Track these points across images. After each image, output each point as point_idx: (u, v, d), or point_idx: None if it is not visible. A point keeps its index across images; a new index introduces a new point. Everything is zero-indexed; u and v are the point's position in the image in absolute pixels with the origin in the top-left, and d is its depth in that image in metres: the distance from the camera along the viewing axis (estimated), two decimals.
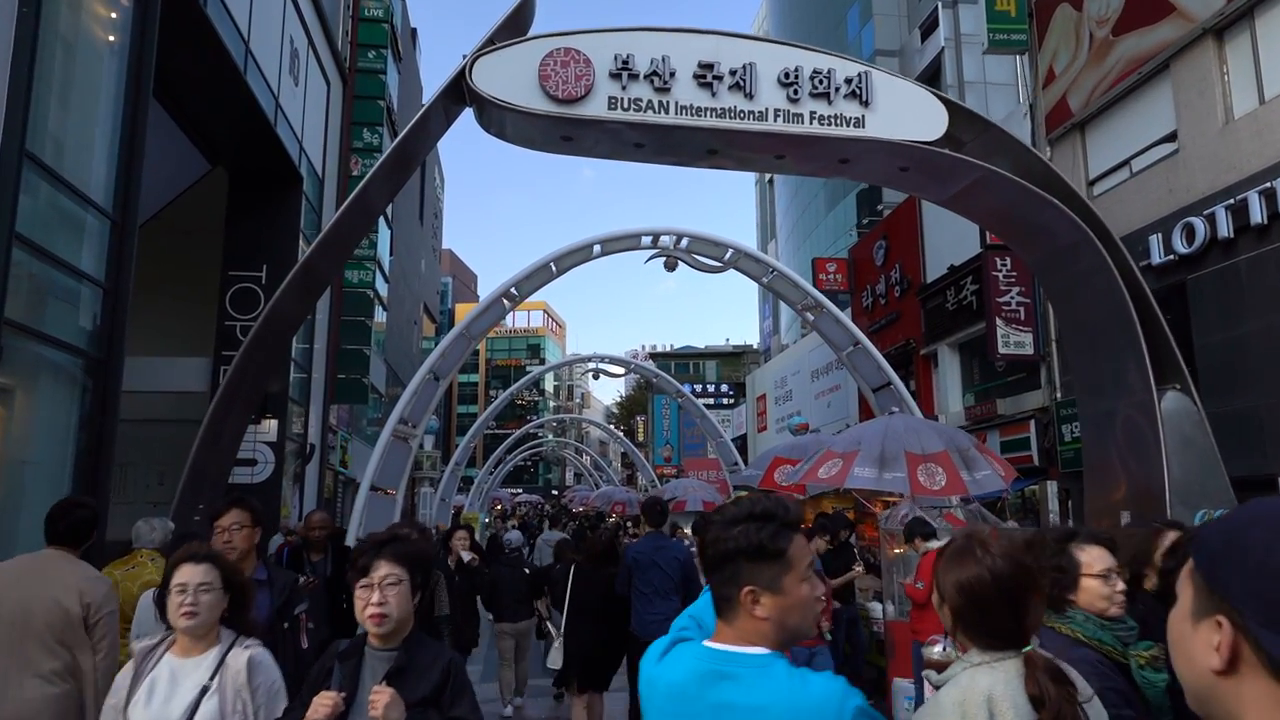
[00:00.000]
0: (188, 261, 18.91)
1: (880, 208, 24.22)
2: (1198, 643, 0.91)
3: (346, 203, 7.12)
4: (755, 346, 55.64)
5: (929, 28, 24.56)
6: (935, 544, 6.40)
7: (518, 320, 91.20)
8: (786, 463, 10.02)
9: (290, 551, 6.38)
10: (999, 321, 13.85)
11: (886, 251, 20.44)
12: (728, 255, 12.05)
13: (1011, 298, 13.95)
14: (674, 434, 52.11)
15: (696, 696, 1.57)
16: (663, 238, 11.79)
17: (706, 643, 1.64)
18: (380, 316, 29.14)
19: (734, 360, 63.24)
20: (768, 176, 46.55)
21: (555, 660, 6.90)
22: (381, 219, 27.14)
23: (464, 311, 21.36)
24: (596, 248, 11.70)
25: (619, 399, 78.06)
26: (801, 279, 12.55)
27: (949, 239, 17.21)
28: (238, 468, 17.57)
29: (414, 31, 46.44)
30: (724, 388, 55.75)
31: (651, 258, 11.74)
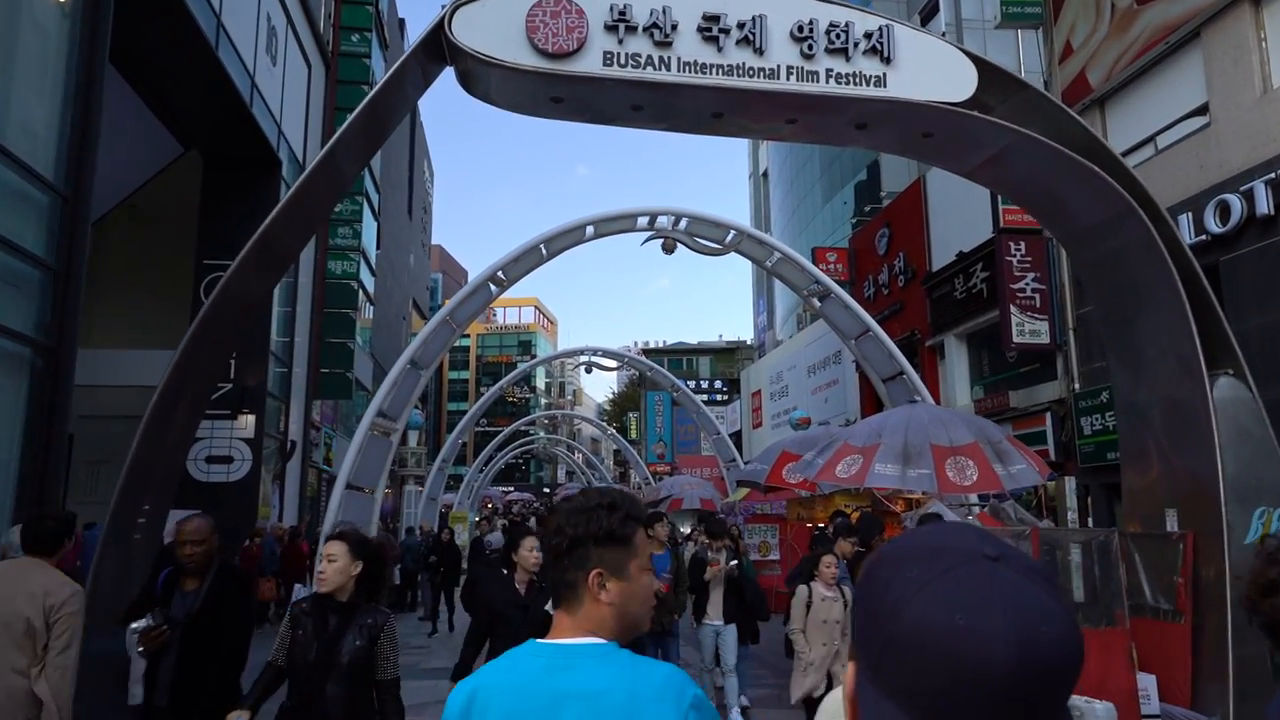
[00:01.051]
0: (161, 250, 18.12)
1: (882, 195, 23.54)
2: (846, 686, 0.84)
3: (311, 166, 6.36)
4: (749, 342, 55.00)
5: (929, 13, 23.88)
6: None
7: (508, 316, 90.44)
8: (795, 458, 9.29)
9: (166, 577, 4.30)
10: (1013, 309, 13.15)
11: (889, 240, 19.74)
12: (729, 237, 11.31)
13: (1026, 284, 13.26)
14: (667, 431, 51.50)
15: (536, 690, 1.52)
16: (660, 218, 11.05)
17: (543, 641, 1.60)
18: (367, 312, 28.33)
19: (727, 356, 62.62)
20: (762, 169, 45.83)
21: None
22: (368, 210, 26.34)
23: None
24: (589, 229, 10.95)
25: (611, 395, 77.35)
26: (808, 262, 11.83)
27: (956, 225, 16.53)
28: (212, 466, 16.83)
29: (402, 22, 45.59)
30: (718, 384, 55.12)
31: (649, 239, 11.00)
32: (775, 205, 42.23)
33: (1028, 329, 13.16)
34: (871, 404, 21.26)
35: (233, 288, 6.24)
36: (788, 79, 6.96)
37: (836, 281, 20.69)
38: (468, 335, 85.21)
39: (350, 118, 6.52)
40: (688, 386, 36.57)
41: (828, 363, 25.25)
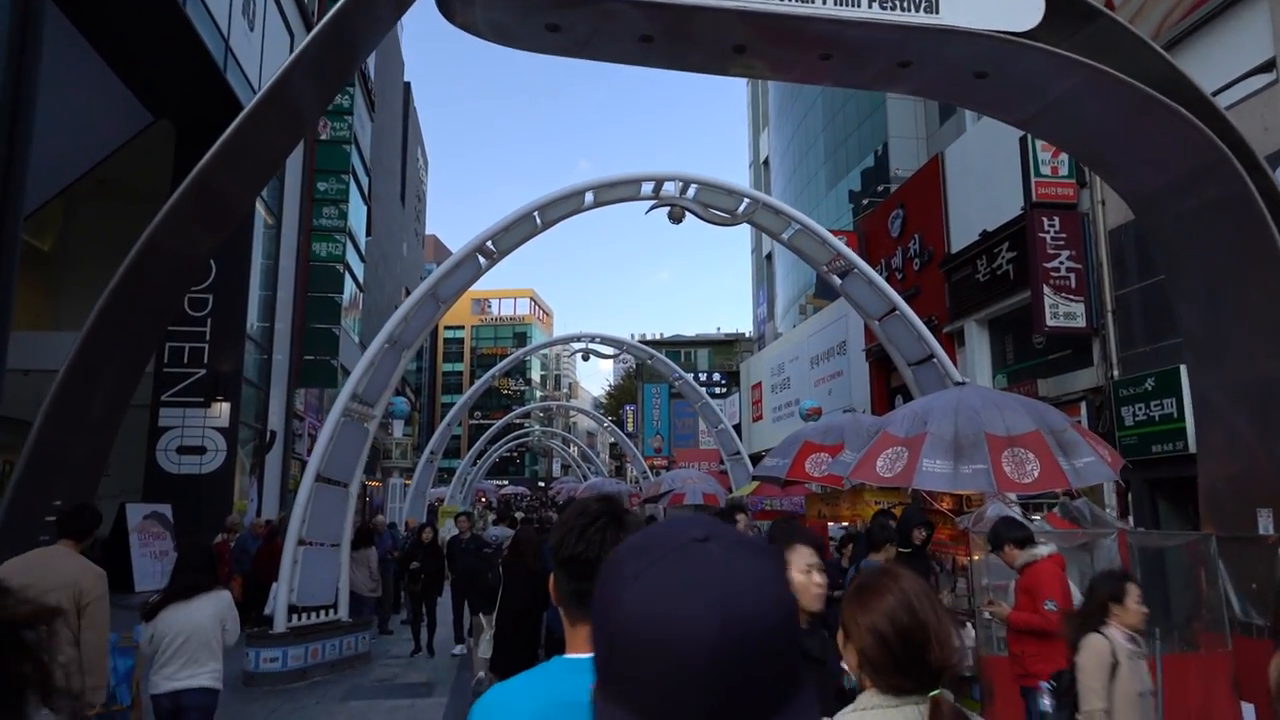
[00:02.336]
0: (134, 228, 16.94)
1: (895, 172, 22.52)
2: None
3: (257, 97, 5.32)
4: (748, 334, 54.03)
5: None
6: (1043, 550, 4.66)
7: (504, 308, 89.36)
8: (820, 449, 8.28)
9: None
10: (1047, 290, 12.13)
11: (903, 221, 18.72)
12: (742, 206, 10.28)
13: (1061, 262, 12.24)
14: (664, 424, 50.51)
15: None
16: (666, 185, 10.01)
17: (575, 655, 1.46)
18: (358, 301, 27.27)
19: (726, 348, 61.63)
20: (763, 157, 44.75)
21: (486, 650, 7.26)
22: (357, 193, 25.24)
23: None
24: (589, 195, 9.91)
25: (607, 388, 76.40)
26: (829, 234, 10.80)
27: (978, 203, 15.53)
28: (184, 456, 15.75)
29: None
30: (716, 376, 54.18)
31: (653, 207, 9.97)
32: (776, 194, 41.19)
33: (1062, 311, 12.15)
34: (882, 397, 20.25)
35: (163, 240, 5.20)
36: (824, 3, 5.93)
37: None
38: (461, 327, 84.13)
39: (308, 39, 5.48)
40: (678, 384, 35.52)
41: (832, 354, 24.36)
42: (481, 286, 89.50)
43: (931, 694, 1.65)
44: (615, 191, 9.99)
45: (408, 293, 45.38)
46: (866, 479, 6.37)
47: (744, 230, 51.08)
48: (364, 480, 24.10)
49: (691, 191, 10.05)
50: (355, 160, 23.75)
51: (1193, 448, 10.47)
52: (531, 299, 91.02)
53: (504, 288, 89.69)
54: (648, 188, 10.04)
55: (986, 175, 15.15)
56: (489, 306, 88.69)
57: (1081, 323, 12.19)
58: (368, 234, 29.99)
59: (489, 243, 9.69)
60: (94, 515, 4.55)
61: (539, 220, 9.87)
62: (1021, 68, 6.38)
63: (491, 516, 18.61)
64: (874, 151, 26.83)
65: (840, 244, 10.78)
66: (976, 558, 6.47)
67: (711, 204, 10.09)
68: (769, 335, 38.58)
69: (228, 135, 5.26)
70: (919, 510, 6.57)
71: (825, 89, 31.15)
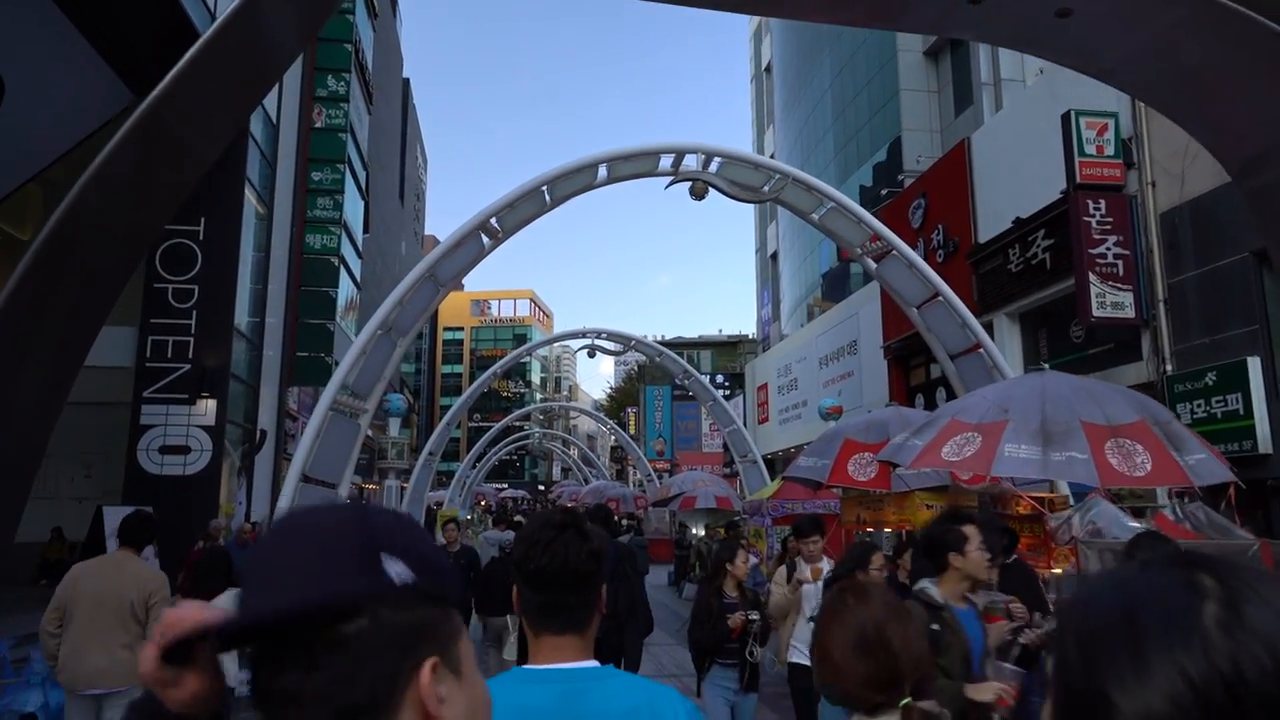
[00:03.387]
0: None
1: (916, 161, 21.66)
2: None
3: (217, 22, 4.41)
4: (751, 336, 53.18)
5: None
6: None
7: (504, 309, 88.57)
8: (864, 449, 7.38)
9: None
10: (1093, 278, 11.26)
11: (925, 212, 17.84)
12: (770, 183, 9.39)
13: (1107, 249, 11.37)
14: (666, 427, 49.71)
15: (567, 717, 1.47)
16: (687, 158, 9.13)
17: (538, 666, 1.54)
18: (354, 295, 26.39)
19: (729, 350, 60.78)
20: (769, 154, 43.90)
21: (510, 653, 7.33)
22: (353, 186, 24.35)
23: (449, 298, 17.68)
24: (602, 170, 9.03)
25: (608, 390, 75.55)
26: (866, 213, 9.90)
27: (1009, 190, 14.68)
28: (166, 456, 14.85)
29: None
30: (719, 378, 53.36)
31: (673, 183, 9.09)
32: None
33: (1109, 300, 11.27)
34: (901, 397, 19.33)
35: (95, 199, 4.29)
36: None
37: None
38: (460, 328, 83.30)
39: None
40: (687, 382, 34.62)
41: (841, 354, 23.58)
42: (481, 287, 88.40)
43: (903, 703, 1.68)
44: (631, 165, 9.11)
45: None
46: (932, 465, 5.45)
47: (747, 231, 50.15)
48: (359, 482, 23.20)
49: (715, 165, 9.17)
50: (352, 151, 22.87)
51: (1264, 447, 9.63)
52: (531, 300, 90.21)
53: (504, 289, 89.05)
54: (667, 161, 9.15)
55: (1019, 159, 14.29)
56: (488, 308, 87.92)
57: (1130, 313, 11.32)
58: (365, 230, 29.13)
59: (493, 220, 8.80)
60: (153, 527, 5.04)
61: (548, 196, 9.00)
62: (1112, 2, 5.50)
63: (490, 520, 17.71)
64: (887, 145, 26.01)
65: (878, 223, 9.89)
66: (1059, 571, 5.57)
67: (737, 179, 9.21)
68: (774, 336, 37.73)
69: (180, 67, 4.34)
70: (992, 515, 5.68)
71: (834, 81, 30.31)
